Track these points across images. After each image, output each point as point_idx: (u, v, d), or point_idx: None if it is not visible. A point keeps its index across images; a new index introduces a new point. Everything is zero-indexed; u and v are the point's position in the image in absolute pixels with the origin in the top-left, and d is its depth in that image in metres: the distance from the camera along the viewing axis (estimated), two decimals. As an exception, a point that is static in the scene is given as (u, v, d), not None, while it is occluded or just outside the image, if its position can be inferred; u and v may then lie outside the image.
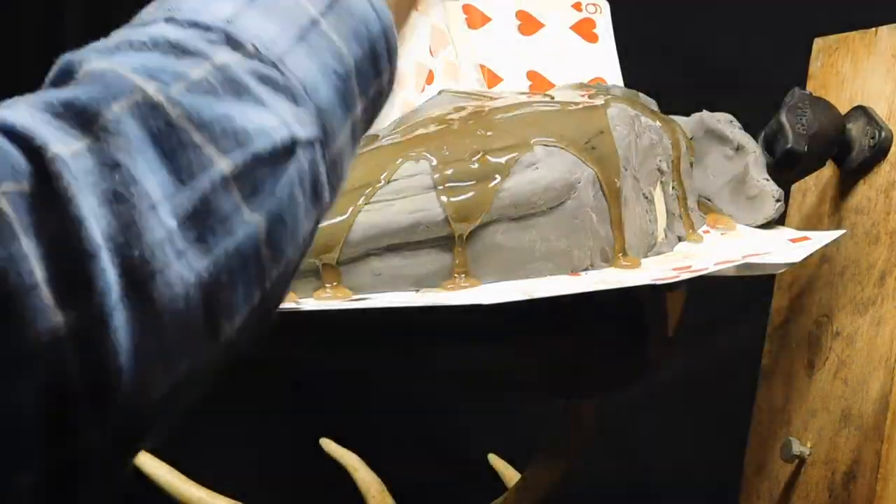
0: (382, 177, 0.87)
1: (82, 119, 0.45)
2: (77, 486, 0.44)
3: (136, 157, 0.44)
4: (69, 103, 0.45)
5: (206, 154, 0.46)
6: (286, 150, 0.48)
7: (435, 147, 0.89)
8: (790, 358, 1.12)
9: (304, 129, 0.49)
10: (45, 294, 0.42)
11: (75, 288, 0.42)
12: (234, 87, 0.48)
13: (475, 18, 1.09)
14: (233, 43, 0.49)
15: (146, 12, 0.51)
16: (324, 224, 0.83)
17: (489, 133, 0.89)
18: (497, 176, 0.87)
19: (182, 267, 0.44)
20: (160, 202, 0.44)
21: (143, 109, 0.45)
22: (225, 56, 0.48)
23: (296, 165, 0.48)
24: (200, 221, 0.45)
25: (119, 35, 0.49)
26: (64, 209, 0.43)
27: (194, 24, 0.49)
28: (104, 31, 0.51)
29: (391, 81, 0.55)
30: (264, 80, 0.48)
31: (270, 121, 0.48)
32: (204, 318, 0.45)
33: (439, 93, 1.01)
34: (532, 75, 1.08)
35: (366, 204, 0.85)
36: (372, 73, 0.53)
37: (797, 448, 1.06)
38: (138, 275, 0.43)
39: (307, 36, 0.50)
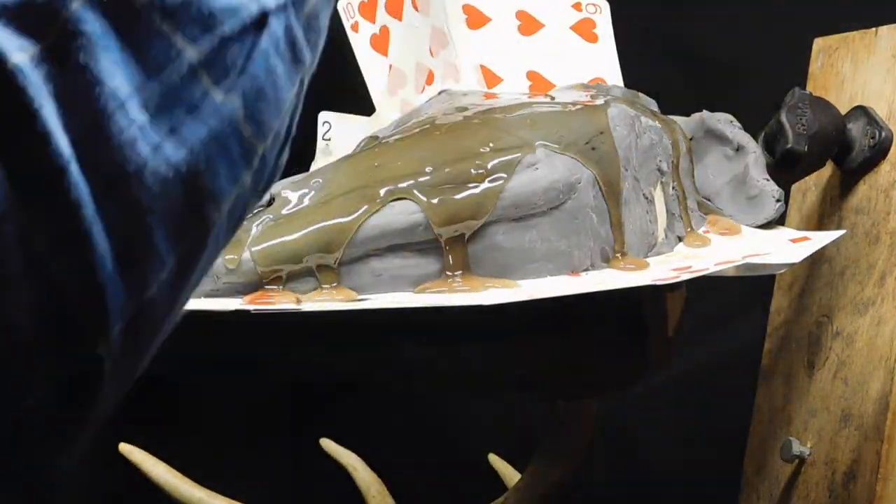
0: (381, 178, 0.87)
1: (40, 20, 0.43)
2: (90, 395, 0.44)
3: (100, 55, 0.43)
4: (26, 3, 0.43)
5: (174, 43, 0.44)
6: (257, 24, 0.47)
7: (435, 147, 0.89)
8: (790, 358, 1.12)
9: None
10: (21, 219, 0.41)
11: (51, 207, 0.41)
12: None
13: (475, 18, 1.09)
14: None
15: None
16: (326, 224, 0.84)
17: (489, 134, 0.89)
18: (497, 176, 0.87)
19: (158, 162, 0.43)
20: (129, 98, 0.43)
21: (105, 1, 0.44)
22: None
23: (268, 36, 0.47)
24: (172, 112, 0.44)
25: None
26: (29, 125, 0.41)
27: None
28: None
29: None
30: None
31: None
32: (188, 208, 0.45)
33: (439, 93, 1.01)
34: (532, 75, 1.08)
35: (361, 205, 0.85)
36: None
37: (797, 448, 1.06)
38: (112, 179, 0.42)
39: None
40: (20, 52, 0.42)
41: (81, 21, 0.43)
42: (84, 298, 0.42)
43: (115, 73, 0.43)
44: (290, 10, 0.49)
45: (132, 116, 0.43)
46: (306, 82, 0.51)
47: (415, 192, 0.86)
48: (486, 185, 0.86)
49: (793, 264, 0.90)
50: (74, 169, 0.42)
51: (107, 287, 0.43)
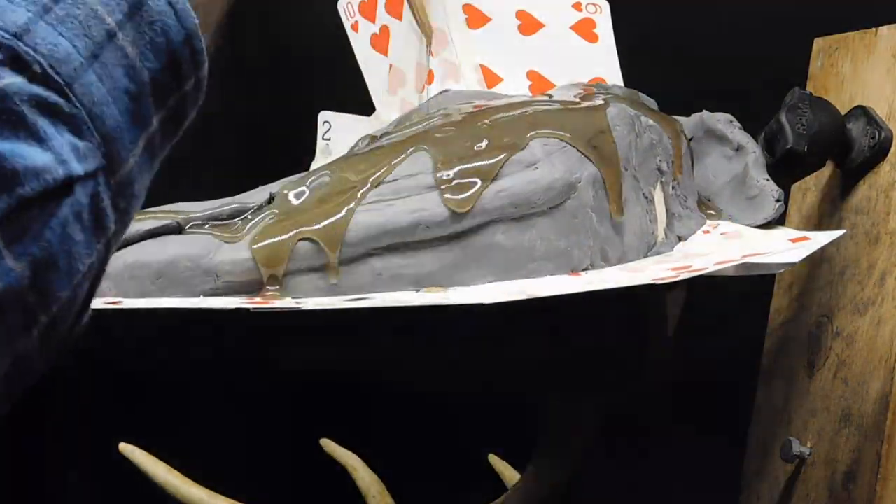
0: (381, 176, 0.87)
1: None
2: None
3: None
4: None
5: None
6: (60, 190, 0.46)
7: (435, 147, 0.89)
8: (790, 358, 1.12)
9: (84, 163, 0.46)
10: None
11: None
12: (11, 120, 0.45)
13: (475, 18, 1.09)
14: (20, 63, 0.46)
15: None
16: (320, 225, 0.84)
17: (489, 133, 0.89)
18: (497, 175, 0.87)
19: None
20: None
21: None
22: (7, 80, 0.45)
23: (71, 203, 0.46)
24: None
25: None
26: None
27: None
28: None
29: (199, 85, 0.52)
30: (46, 110, 0.46)
31: (44, 160, 0.45)
32: None
33: (439, 93, 1.01)
34: (532, 75, 1.08)
35: (361, 204, 0.85)
36: (172, 84, 0.51)
37: (797, 448, 1.06)
38: None
39: (101, 53, 0.48)
40: None
41: None
42: None
43: None
44: (99, 177, 0.47)
45: None
46: (113, 247, 0.49)
47: (415, 192, 0.86)
48: (485, 182, 0.86)
49: (792, 264, 0.90)
50: None
51: None
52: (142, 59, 0.49)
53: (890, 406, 0.99)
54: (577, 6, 1.09)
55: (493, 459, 1.22)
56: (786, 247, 0.92)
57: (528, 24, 1.09)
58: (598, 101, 0.94)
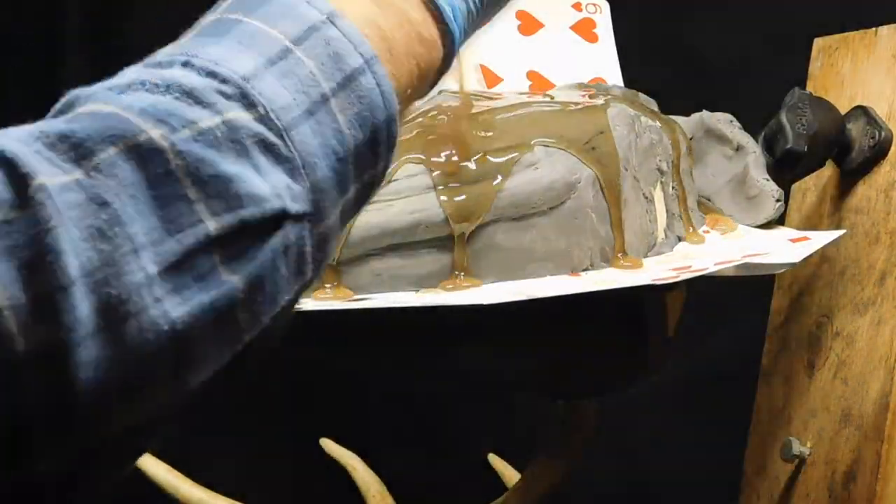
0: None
1: (76, 153, 0.45)
2: None
3: (126, 200, 0.45)
4: (65, 136, 0.45)
5: (197, 211, 0.46)
6: (274, 221, 0.48)
7: (433, 147, 0.89)
8: (790, 358, 1.12)
9: (296, 204, 0.49)
10: (10, 320, 0.42)
11: (42, 317, 0.42)
12: (237, 148, 0.47)
13: (475, 18, 1.08)
14: (246, 102, 0.49)
15: (164, 52, 0.51)
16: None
17: (489, 133, 0.89)
18: (497, 176, 0.87)
19: (157, 313, 0.44)
20: (144, 247, 0.44)
21: (144, 153, 0.45)
22: (236, 113, 0.48)
23: (282, 236, 0.48)
24: (180, 274, 0.45)
25: (132, 73, 0.49)
26: (41, 238, 0.43)
27: (211, 74, 0.49)
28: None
29: (385, 169, 0.55)
30: (268, 147, 0.48)
31: (264, 190, 0.48)
32: (170, 366, 0.46)
33: (439, 93, 1.01)
34: (532, 75, 1.08)
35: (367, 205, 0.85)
36: (370, 159, 0.53)
37: (797, 448, 1.06)
38: (113, 313, 0.44)
39: (316, 111, 0.50)
40: (49, 175, 0.43)
41: (114, 165, 0.45)
42: (49, 411, 0.43)
43: (136, 219, 0.45)
44: (306, 224, 0.50)
45: (143, 264, 0.44)
46: (300, 297, 0.51)
47: (415, 193, 0.86)
48: (484, 184, 0.86)
49: (793, 264, 0.90)
50: (80, 290, 0.43)
51: (77, 408, 0.43)
52: (350, 127, 0.52)
53: (890, 406, 0.99)
54: (577, 6, 1.09)
55: (493, 459, 1.22)
56: (786, 247, 0.92)
57: (528, 24, 1.09)
58: (598, 102, 0.94)
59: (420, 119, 0.95)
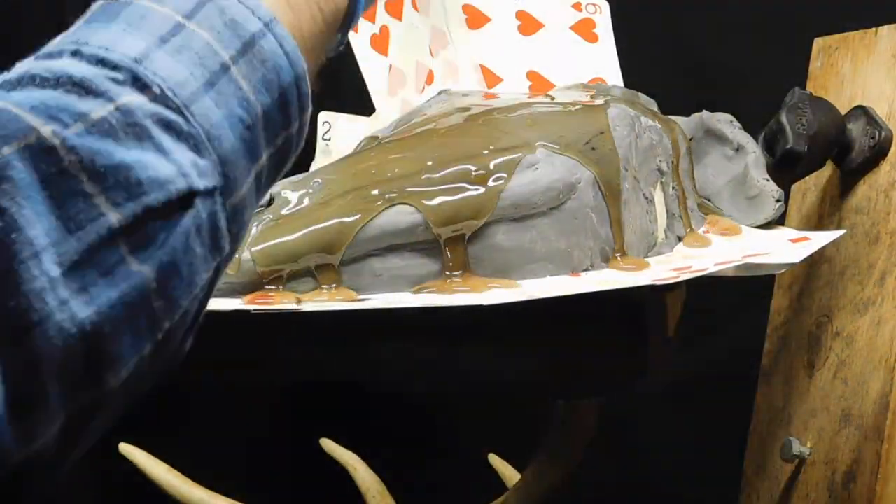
0: (382, 178, 0.87)
1: None
2: None
3: (22, 202, 0.43)
4: None
5: (97, 205, 0.45)
6: (182, 202, 0.47)
7: (435, 148, 0.89)
8: (790, 358, 1.12)
9: (204, 179, 0.48)
10: None
11: None
12: (135, 132, 0.46)
13: (475, 18, 1.09)
14: (139, 84, 0.48)
15: (55, 42, 0.50)
16: (326, 224, 0.84)
17: (489, 134, 0.89)
18: (497, 176, 0.86)
19: (63, 317, 0.43)
20: (45, 249, 0.43)
21: (36, 152, 0.44)
22: (129, 97, 0.47)
23: (192, 216, 0.48)
24: (85, 272, 0.44)
25: (24, 67, 0.48)
26: None
27: (102, 61, 0.48)
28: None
29: (302, 129, 0.54)
30: (167, 126, 0.48)
31: (168, 171, 0.47)
32: (84, 369, 0.45)
33: (439, 93, 1.01)
34: (532, 75, 1.08)
35: (362, 206, 0.85)
36: (281, 121, 0.52)
37: (797, 448, 1.06)
38: (15, 325, 0.42)
39: (216, 82, 0.50)
40: None
41: (9, 166, 0.43)
42: None
43: (34, 222, 0.43)
44: (217, 198, 0.49)
45: (45, 268, 0.43)
46: (222, 271, 0.51)
47: (413, 193, 0.85)
48: (486, 185, 0.86)
49: (793, 264, 0.90)
50: None
51: None
52: (255, 93, 0.51)
53: (890, 406, 0.99)
54: (577, 6, 1.09)
55: (493, 459, 1.22)
56: (786, 247, 0.92)
57: (528, 25, 1.09)
58: (599, 102, 0.94)
59: (422, 119, 0.95)
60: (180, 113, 0.48)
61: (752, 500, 1.13)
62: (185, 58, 0.49)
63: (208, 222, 0.48)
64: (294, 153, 0.54)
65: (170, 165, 0.47)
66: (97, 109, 0.46)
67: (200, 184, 0.48)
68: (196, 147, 0.48)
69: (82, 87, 0.47)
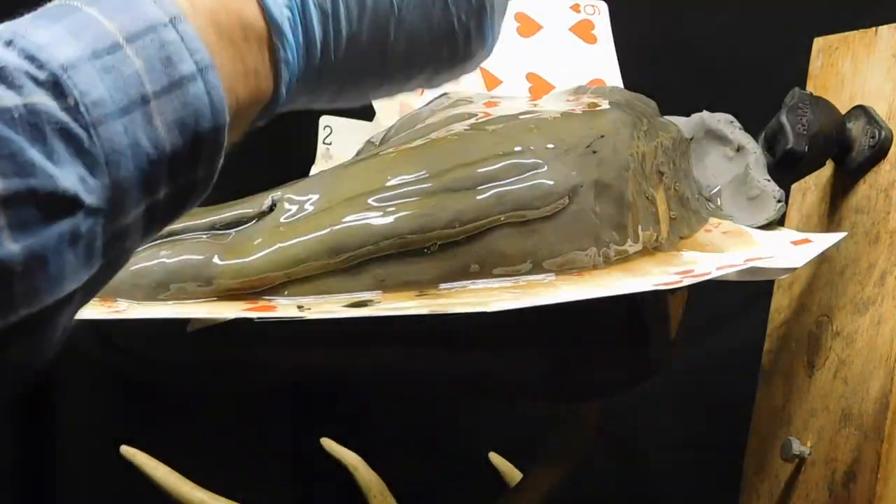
0: (383, 182, 0.87)
1: None
2: None
3: None
4: None
5: None
6: (65, 204, 0.47)
7: (437, 154, 0.89)
8: (790, 358, 1.12)
9: (90, 196, 0.48)
10: None
11: None
12: (33, 133, 0.47)
13: (475, 19, 1.08)
14: (57, 90, 0.48)
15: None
16: (322, 232, 0.84)
17: (491, 140, 0.89)
18: (500, 181, 0.86)
19: None
20: None
21: None
22: (41, 99, 0.48)
23: (70, 223, 0.48)
24: None
25: None
26: None
27: (30, 57, 0.48)
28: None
29: (210, 176, 0.54)
30: (70, 138, 0.48)
31: (55, 172, 0.47)
32: None
33: (439, 96, 1.01)
34: (531, 77, 1.07)
35: (363, 211, 0.85)
36: (189, 165, 0.53)
37: (797, 448, 1.06)
38: None
39: (132, 111, 0.50)
40: None
41: None
42: None
43: None
44: (99, 219, 0.49)
45: None
46: (92, 292, 0.51)
47: (416, 200, 0.85)
48: (488, 190, 0.86)
49: (796, 269, 0.90)
50: None
51: None
52: (168, 131, 0.51)
53: (890, 406, 0.99)
54: (576, 8, 1.09)
55: (495, 458, 1.22)
56: (788, 250, 0.92)
57: (527, 26, 1.09)
58: (599, 105, 0.94)
59: (424, 125, 0.95)
60: (86, 130, 0.48)
61: (752, 500, 1.14)
62: (111, 79, 0.50)
63: (86, 237, 0.49)
64: (198, 197, 0.55)
65: (57, 171, 0.47)
66: (6, 98, 0.47)
67: (87, 199, 0.48)
68: (91, 166, 0.48)
69: (1, 75, 0.47)
